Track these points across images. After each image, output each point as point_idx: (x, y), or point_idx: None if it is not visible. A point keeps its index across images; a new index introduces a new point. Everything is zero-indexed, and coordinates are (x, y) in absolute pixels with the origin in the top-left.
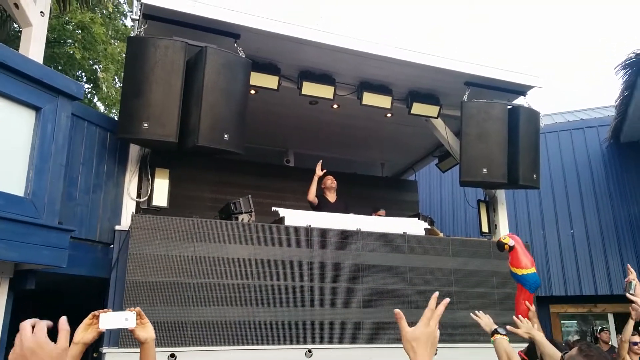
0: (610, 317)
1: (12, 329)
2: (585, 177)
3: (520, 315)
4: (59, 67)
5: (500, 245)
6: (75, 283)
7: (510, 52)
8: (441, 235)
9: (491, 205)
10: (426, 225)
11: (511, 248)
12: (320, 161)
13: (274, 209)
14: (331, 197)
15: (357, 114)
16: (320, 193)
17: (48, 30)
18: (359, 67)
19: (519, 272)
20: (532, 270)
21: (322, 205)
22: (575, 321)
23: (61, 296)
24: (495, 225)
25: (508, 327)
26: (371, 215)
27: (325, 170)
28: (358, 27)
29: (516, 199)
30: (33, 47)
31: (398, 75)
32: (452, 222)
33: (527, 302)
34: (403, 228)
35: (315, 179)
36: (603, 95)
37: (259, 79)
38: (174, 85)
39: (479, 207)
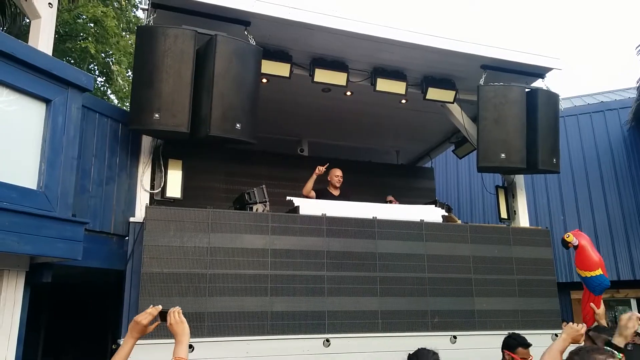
0: (633, 302)
1: (30, 322)
2: (606, 161)
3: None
4: (72, 61)
5: (564, 243)
6: (90, 276)
7: (525, 35)
8: (459, 222)
9: (510, 191)
10: (443, 212)
11: (575, 247)
12: (327, 164)
13: (288, 198)
14: (335, 191)
15: (371, 100)
16: (325, 187)
17: (60, 25)
18: (373, 53)
19: (582, 273)
20: (597, 272)
21: (324, 198)
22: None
23: (78, 289)
24: (515, 211)
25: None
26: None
27: (322, 171)
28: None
29: (535, 184)
30: (42, 39)
31: (413, 60)
32: (469, 209)
33: (592, 304)
34: (420, 215)
35: (314, 176)
36: (624, 76)
37: (270, 67)
38: (184, 75)
39: (497, 193)
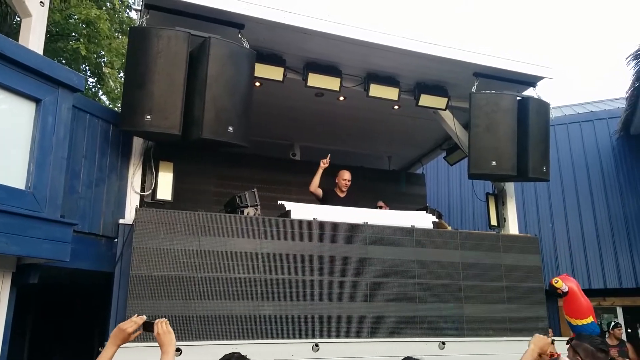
0: (619, 311)
1: (15, 323)
2: (594, 170)
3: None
4: (63, 62)
5: (552, 289)
6: (78, 277)
7: (515, 44)
8: (449, 228)
9: (500, 199)
10: (434, 218)
11: (565, 293)
12: (329, 155)
13: (280, 202)
14: (341, 193)
15: (364, 106)
16: (332, 187)
17: (51, 24)
18: (366, 58)
19: (573, 322)
20: (589, 320)
21: (330, 199)
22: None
23: (65, 290)
24: (504, 218)
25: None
26: (376, 208)
27: (328, 162)
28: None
29: (525, 192)
30: (33, 37)
31: (406, 66)
32: (459, 216)
33: None
34: (411, 221)
35: (320, 170)
36: (613, 87)
37: (263, 71)
38: (177, 77)
39: (487, 200)
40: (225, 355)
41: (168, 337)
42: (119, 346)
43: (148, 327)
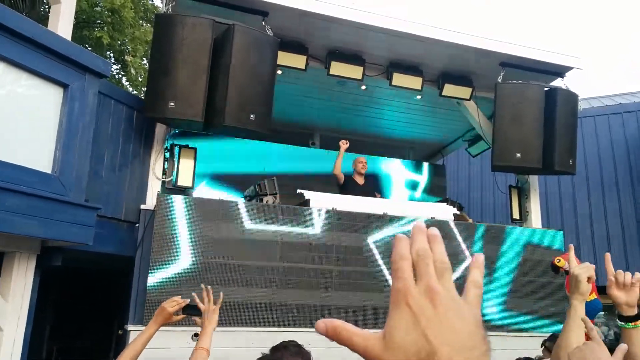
0: None
1: (39, 304)
2: (622, 164)
3: None
4: (89, 49)
5: (554, 268)
6: (101, 261)
7: (543, 35)
8: (470, 221)
9: (523, 192)
10: (455, 210)
11: (567, 272)
12: (348, 142)
13: (299, 191)
14: (360, 180)
15: (386, 95)
16: (350, 175)
17: (77, 12)
18: (390, 47)
19: None
20: (593, 296)
21: (350, 186)
22: (604, 312)
23: (87, 273)
24: (527, 212)
25: None
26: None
27: (347, 143)
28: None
29: (548, 185)
30: (62, 23)
31: (431, 55)
32: (480, 208)
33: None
34: (431, 213)
35: (342, 152)
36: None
37: (286, 59)
38: (201, 64)
39: (510, 193)
40: (282, 342)
41: (213, 317)
42: (160, 325)
43: (188, 310)
